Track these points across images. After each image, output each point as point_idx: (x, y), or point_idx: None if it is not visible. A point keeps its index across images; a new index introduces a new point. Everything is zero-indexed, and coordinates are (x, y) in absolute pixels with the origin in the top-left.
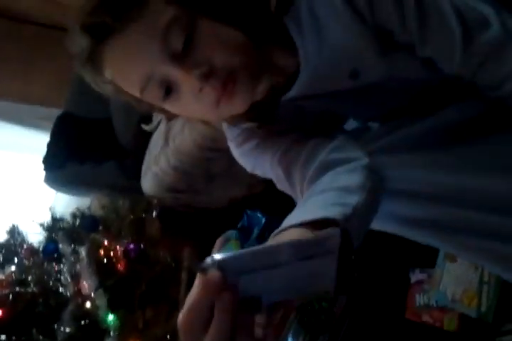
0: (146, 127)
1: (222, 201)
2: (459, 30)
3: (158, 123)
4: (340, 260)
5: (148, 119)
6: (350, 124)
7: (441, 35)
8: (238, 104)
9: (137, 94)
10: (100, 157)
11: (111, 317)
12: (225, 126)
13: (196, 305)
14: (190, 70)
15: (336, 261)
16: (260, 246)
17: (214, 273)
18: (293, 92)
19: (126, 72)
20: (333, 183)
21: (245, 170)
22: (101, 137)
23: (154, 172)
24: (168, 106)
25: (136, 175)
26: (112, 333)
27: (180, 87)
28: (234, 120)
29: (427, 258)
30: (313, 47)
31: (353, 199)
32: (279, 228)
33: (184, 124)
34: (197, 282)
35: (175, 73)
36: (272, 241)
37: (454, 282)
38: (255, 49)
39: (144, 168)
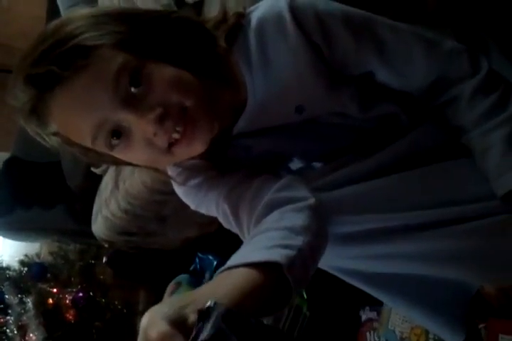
0: (95, 170)
1: (175, 242)
2: (419, 45)
3: (108, 166)
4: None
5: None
6: (295, 165)
7: (402, 54)
8: (197, 147)
9: (87, 144)
10: (49, 201)
11: None
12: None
13: None
14: (144, 115)
15: None
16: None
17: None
18: (240, 124)
19: (76, 121)
20: (278, 223)
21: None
22: (49, 181)
23: (105, 215)
24: (117, 154)
25: (87, 219)
26: None
27: (132, 133)
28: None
29: None
30: (261, 82)
31: (299, 241)
32: (224, 266)
33: (134, 167)
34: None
35: (128, 118)
36: (218, 280)
37: (401, 320)
38: (204, 89)
39: (94, 211)
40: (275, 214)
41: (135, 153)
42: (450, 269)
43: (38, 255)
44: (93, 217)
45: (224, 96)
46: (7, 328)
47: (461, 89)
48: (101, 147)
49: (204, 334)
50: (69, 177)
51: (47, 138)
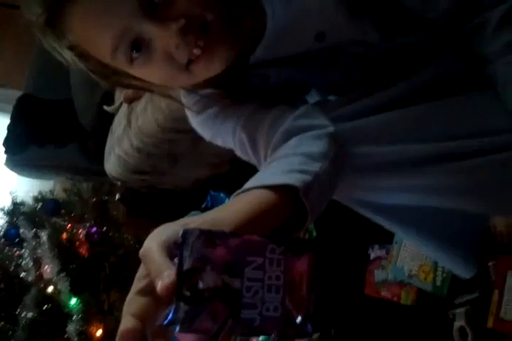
0: (108, 108)
1: (186, 182)
2: None
3: (121, 104)
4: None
5: (110, 100)
6: (312, 97)
7: None
8: (216, 65)
9: (106, 56)
10: (62, 139)
11: (73, 300)
12: (182, 93)
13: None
14: (168, 24)
15: None
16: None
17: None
18: (258, 52)
19: (97, 31)
20: (297, 148)
21: (209, 150)
22: (62, 119)
23: (117, 154)
24: (135, 70)
25: (99, 158)
26: (74, 317)
27: (152, 46)
28: (196, 86)
29: (385, 234)
30: (281, 7)
31: (316, 167)
32: (241, 189)
33: (147, 105)
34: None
35: (150, 29)
36: (234, 200)
37: (410, 257)
38: (225, 6)
39: (106, 149)
40: (293, 141)
41: (154, 68)
42: (468, 201)
43: (51, 192)
44: (106, 155)
45: (244, 20)
46: (23, 261)
47: (489, 17)
48: (120, 60)
49: (186, 264)
50: (81, 115)
51: (62, 53)
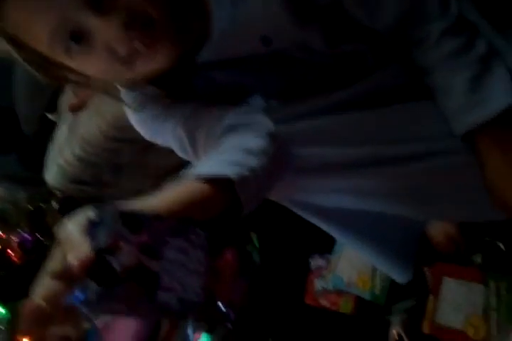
0: (51, 116)
1: (130, 194)
2: None
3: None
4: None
5: (54, 108)
6: (255, 101)
7: None
8: (159, 61)
9: (43, 46)
10: (1, 147)
11: (1, 310)
12: (123, 91)
13: None
14: (110, 17)
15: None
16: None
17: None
18: (204, 54)
19: (35, 20)
20: (235, 144)
21: (155, 162)
22: (3, 127)
23: (58, 163)
24: (74, 62)
25: (39, 167)
26: (1, 326)
27: (94, 37)
28: (137, 84)
29: (326, 243)
30: (227, 11)
31: (253, 162)
32: (176, 179)
33: (91, 114)
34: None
35: (92, 20)
36: (165, 189)
37: (349, 266)
38: (172, 7)
39: (47, 158)
40: (233, 137)
41: (93, 60)
42: (404, 206)
43: None
44: (46, 164)
45: (191, 20)
46: None
47: (430, 30)
48: (58, 51)
49: (100, 243)
50: (24, 123)
51: None
